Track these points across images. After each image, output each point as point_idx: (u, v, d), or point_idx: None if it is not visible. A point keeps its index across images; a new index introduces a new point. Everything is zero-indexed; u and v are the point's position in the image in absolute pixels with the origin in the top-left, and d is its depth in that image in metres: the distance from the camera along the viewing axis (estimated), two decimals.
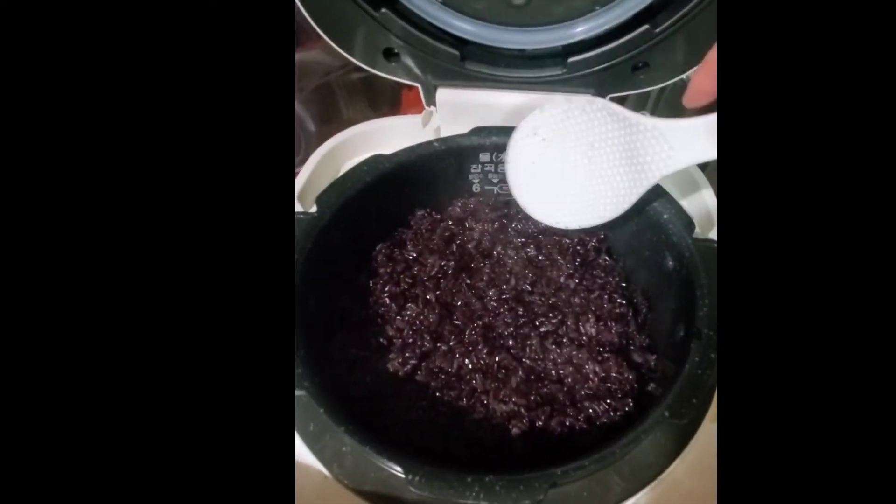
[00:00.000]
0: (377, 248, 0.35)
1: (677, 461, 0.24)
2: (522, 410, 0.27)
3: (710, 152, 0.27)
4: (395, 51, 0.35)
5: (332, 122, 0.47)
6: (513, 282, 0.32)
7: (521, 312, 0.31)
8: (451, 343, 0.30)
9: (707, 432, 0.25)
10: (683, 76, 0.34)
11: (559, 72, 0.34)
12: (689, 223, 0.30)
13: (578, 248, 0.35)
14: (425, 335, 0.30)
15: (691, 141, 0.27)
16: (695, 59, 0.32)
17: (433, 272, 0.33)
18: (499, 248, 0.35)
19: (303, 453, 0.25)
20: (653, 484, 0.23)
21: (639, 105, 0.50)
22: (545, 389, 0.28)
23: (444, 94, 0.37)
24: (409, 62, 0.35)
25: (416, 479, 0.21)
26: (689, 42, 0.31)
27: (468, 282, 0.32)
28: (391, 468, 0.22)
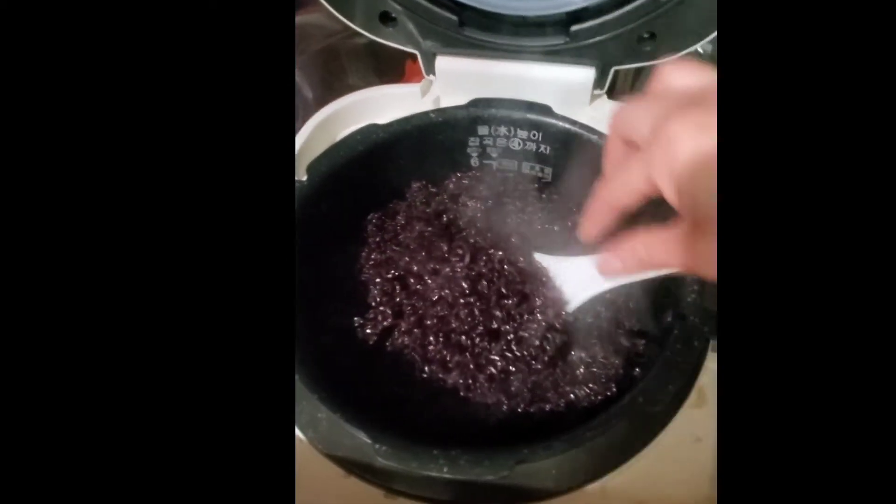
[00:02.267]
0: (368, 217, 0.34)
1: (651, 445, 0.24)
2: (501, 398, 0.27)
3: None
4: (393, 15, 0.34)
5: (334, 90, 0.46)
6: (498, 259, 0.32)
7: (504, 293, 0.30)
8: (412, 320, 0.29)
9: (685, 418, 0.25)
10: (698, 48, 0.33)
11: (562, 41, 0.33)
12: None
13: (573, 231, 0.34)
14: (386, 308, 0.29)
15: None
16: (703, 31, 0.30)
17: (413, 236, 0.32)
18: (490, 227, 0.34)
19: None
20: (623, 467, 0.23)
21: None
22: (527, 378, 0.28)
23: (443, 62, 0.36)
24: (408, 27, 0.34)
25: (383, 448, 0.21)
26: (696, 13, 0.29)
27: (439, 252, 0.31)
28: (360, 436, 0.22)
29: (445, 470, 0.21)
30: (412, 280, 0.30)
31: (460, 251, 0.30)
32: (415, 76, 0.47)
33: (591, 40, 0.32)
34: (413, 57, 0.37)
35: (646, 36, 0.31)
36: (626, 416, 0.22)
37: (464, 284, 0.29)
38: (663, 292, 0.29)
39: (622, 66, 0.33)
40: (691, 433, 0.24)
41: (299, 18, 0.45)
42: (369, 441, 0.22)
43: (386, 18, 0.34)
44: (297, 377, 0.24)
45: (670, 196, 0.19)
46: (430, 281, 0.30)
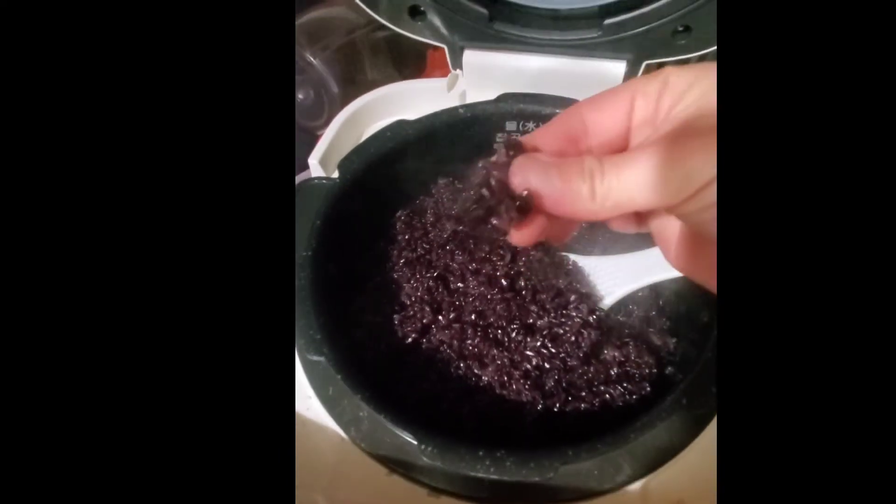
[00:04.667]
0: (397, 215, 0.34)
1: (690, 446, 0.24)
2: (537, 397, 0.27)
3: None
4: (422, 8, 0.33)
5: (356, 84, 0.46)
6: (537, 259, 0.32)
7: (539, 288, 0.30)
8: (451, 317, 0.29)
9: None
10: None
11: (594, 35, 0.32)
12: None
13: (599, 229, 0.34)
14: (425, 306, 0.29)
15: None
16: None
17: (446, 236, 0.32)
18: None
19: (321, 415, 0.25)
20: (663, 467, 0.23)
21: None
22: (562, 376, 0.28)
23: (470, 56, 0.35)
24: (436, 21, 0.34)
25: (429, 449, 0.22)
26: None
27: (482, 253, 0.31)
28: (406, 437, 0.22)
29: (492, 471, 0.21)
30: (452, 279, 0.30)
31: (501, 251, 0.30)
32: (437, 68, 0.46)
33: (624, 34, 0.31)
34: (435, 47, 0.37)
35: (680, 29, 0.31)
36: (670, 417, 0.22)
37: (503, 282, 0.29)
38: (697, 288, 0.29)
39: (655, 60, 0.33)
40: None
41: (323, 12, 0.44)
42: (415, 442, 0.22)
43: (414, 12, 0.33)
44: (339, 377, 0.24)
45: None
46: (471, 279, 0.30)
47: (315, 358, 0.24)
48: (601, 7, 0.31)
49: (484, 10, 0.32)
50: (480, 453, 0.21)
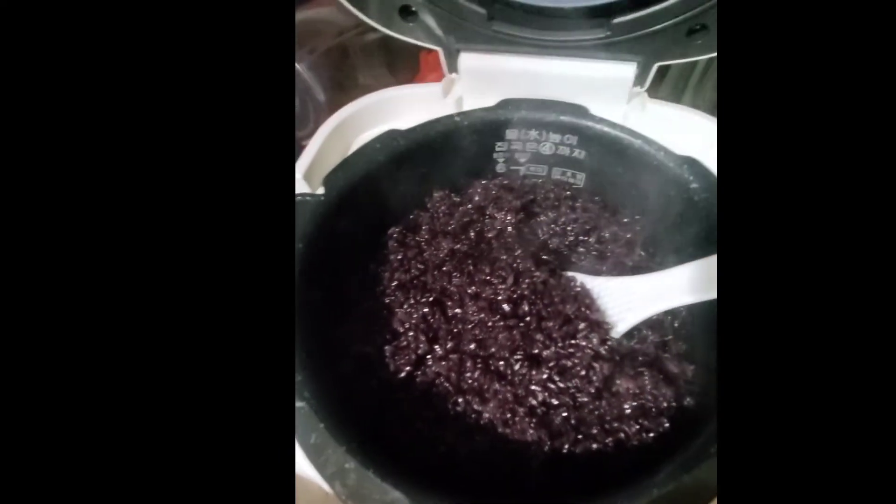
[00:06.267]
0: (389, 233, 0.32)
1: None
2: (543, 437, 0.24)
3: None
4: (413, 8, 0.31)
5: (345, 90, 0.43)
6: (541, 280, 0.29)
7: (544, 315, 0.27)
8: (449, 346, 0.26)
9: None
10: None
11: (601, 35, 0.29)
12: None
13: (609, 244, 0.31)
14: (420, 335, 0.27)
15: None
16: None
17: (442, 255, 0.30)
18: (522, 242, 0.31)
19: (304, 466, 0.23)
20: None
21: (685, 74, 0.44)
22: (571, 413, 0.25)
23: (467, 59, 0.33)
24: (430, 22, 0.31)
25: None
26: None
27: (482, 275, 0.28)
28: (395, 495, 0.20)
29: None
30: (450, 304, 0.28)
31: (503, 273, 0.27)
32: (431, 70, 0.44)
33: (634, 34, 0.29)
34: (428, 49, 0.34)
35: (697, 28, 0.28)
36: (698, 466, 0.20)
37: (505, 307, 0.27)
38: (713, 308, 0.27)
39: (668, 62, 0.30)
40: None
41: (309, 13, 0.42)
42: (405, 498, 0.19)
43: (406, 12, 0.31)
44: (321, 426, 0.21)
45: None
46: (470, 304, 0.27)
47: (297, 404, 0.22)
48: (609, 5, 0.29)
49: (482, 10, 0.30)
50: None
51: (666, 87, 0.47)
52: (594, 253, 0.33)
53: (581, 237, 0.33)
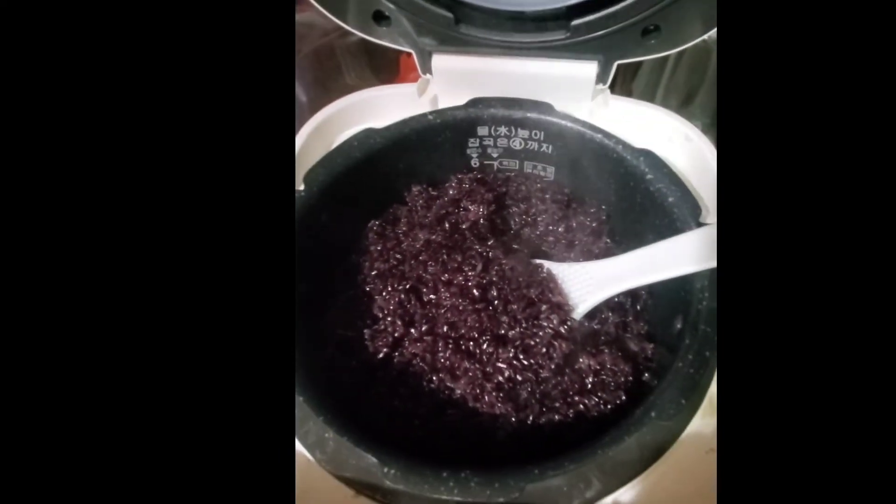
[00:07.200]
0: (369, 226, 0.34)
1: (662, 458, 0.23)
2: (510, 410, 0.26)
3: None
4: (386, 14, 0.33)
5: (330, 89, 0.45)
6: (509, 267, 0.31)
7: (510, 299, 0.30)
8: (423, 329, 0.29)
9: (695, 429, 0.24)
10: (706, 37, 0.31)
11: (562, 36, 0.31)
12: (695, 207, 0.28)
13: (577, 233, 0.33)
14: (397, 319, 0.29)
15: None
16: (710, 22, 0.29)
17: (419, 245, 0.32)
18: (494, 232, 0.33)
19: None
20: (635, 481, 0.23)
21: (656, 71, 0.46)
22: (535, 388, 0.27)
23: (439, 60, 0.35)
24: (402, 26, 0.33)
25: (392, 471, 0.21)
26: (702, 3, 0.28)
27: (454, 264, 0.30)
28: (368, 458, 0.22)
29: (456, 492, 0.21)
30: (425, 290, 0.30)
31: (473, 261, 0.30)
32: (411, 71, 0.45)
33: (593, 35, 0.31)
34: (408, 54, 0.36)
35: (651, 28, 0.30)
36: (638, 430, 0.22)
37: (475, 292, 0.29)
38: (671, 294, 0.29)
39: (626, 61, 0.32)
40: (704, 444, 0.24)
41: (297, 17, 0.44)
42: (377, 462, 0.21)
43: (379, 17, 0.33)
44: (301, 399, 0.23)
45: None
46: (443, 291, 0.29)
47: None
48: (569, 7, 0.30)
49: (448, 14, 0.31)
50: (444, 474, 0.21)
51: (639, 83, 0.49)
52: (563, 242, 0.35)
53: (550, 227, 0.35)
